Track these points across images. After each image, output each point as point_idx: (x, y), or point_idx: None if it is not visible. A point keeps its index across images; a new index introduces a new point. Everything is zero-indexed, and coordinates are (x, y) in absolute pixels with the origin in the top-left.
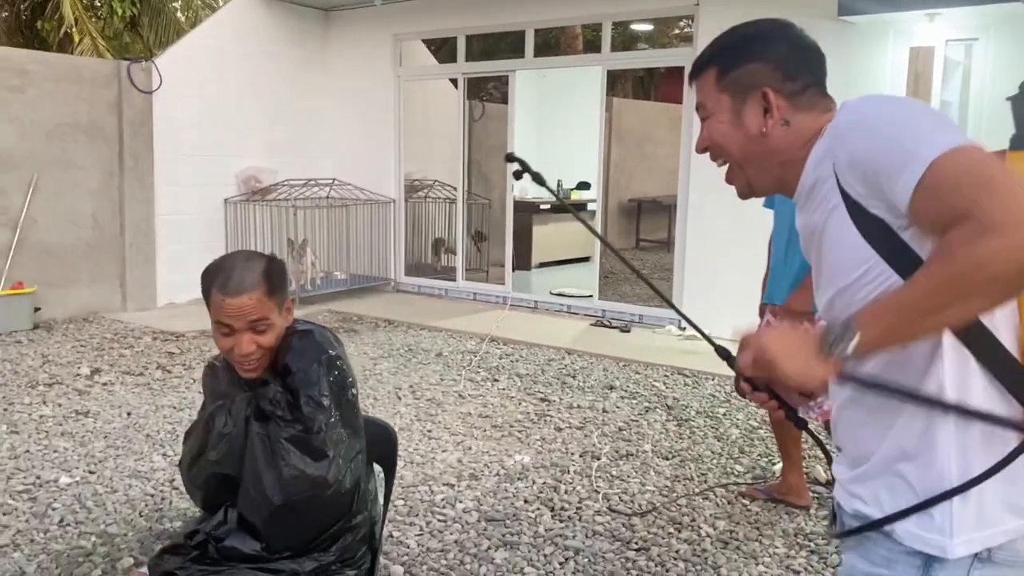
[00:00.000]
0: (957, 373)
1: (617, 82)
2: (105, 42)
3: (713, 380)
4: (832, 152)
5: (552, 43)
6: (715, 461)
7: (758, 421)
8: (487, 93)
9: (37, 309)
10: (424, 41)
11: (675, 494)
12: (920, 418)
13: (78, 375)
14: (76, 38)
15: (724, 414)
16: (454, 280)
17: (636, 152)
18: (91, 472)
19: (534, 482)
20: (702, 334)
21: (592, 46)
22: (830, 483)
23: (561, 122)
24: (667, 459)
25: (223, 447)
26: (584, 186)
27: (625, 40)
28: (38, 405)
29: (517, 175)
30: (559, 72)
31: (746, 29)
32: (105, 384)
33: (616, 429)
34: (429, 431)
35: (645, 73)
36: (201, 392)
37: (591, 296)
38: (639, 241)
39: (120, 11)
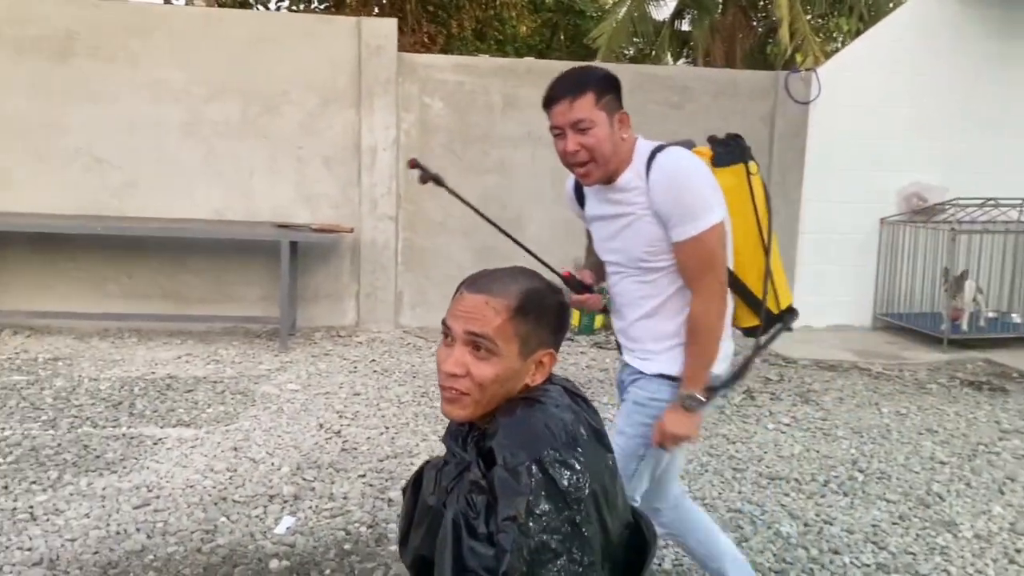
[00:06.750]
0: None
1: None
2: (825, 59)
3: None
4: (653, 186)
5: None
6: None
7: None
8: None
9: None
10: None
11: None
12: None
13: None
14: (799, 59)
15: None
16: None
17: None
18: None
19: None
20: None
21: None
22: None
23: None
24: None
25: (426, 525)
26: None
27: None
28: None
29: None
30: None
31: (600, 70)
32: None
33: None
34: None
35: None
36: None
37: None
38: None
39: (847, 27)
